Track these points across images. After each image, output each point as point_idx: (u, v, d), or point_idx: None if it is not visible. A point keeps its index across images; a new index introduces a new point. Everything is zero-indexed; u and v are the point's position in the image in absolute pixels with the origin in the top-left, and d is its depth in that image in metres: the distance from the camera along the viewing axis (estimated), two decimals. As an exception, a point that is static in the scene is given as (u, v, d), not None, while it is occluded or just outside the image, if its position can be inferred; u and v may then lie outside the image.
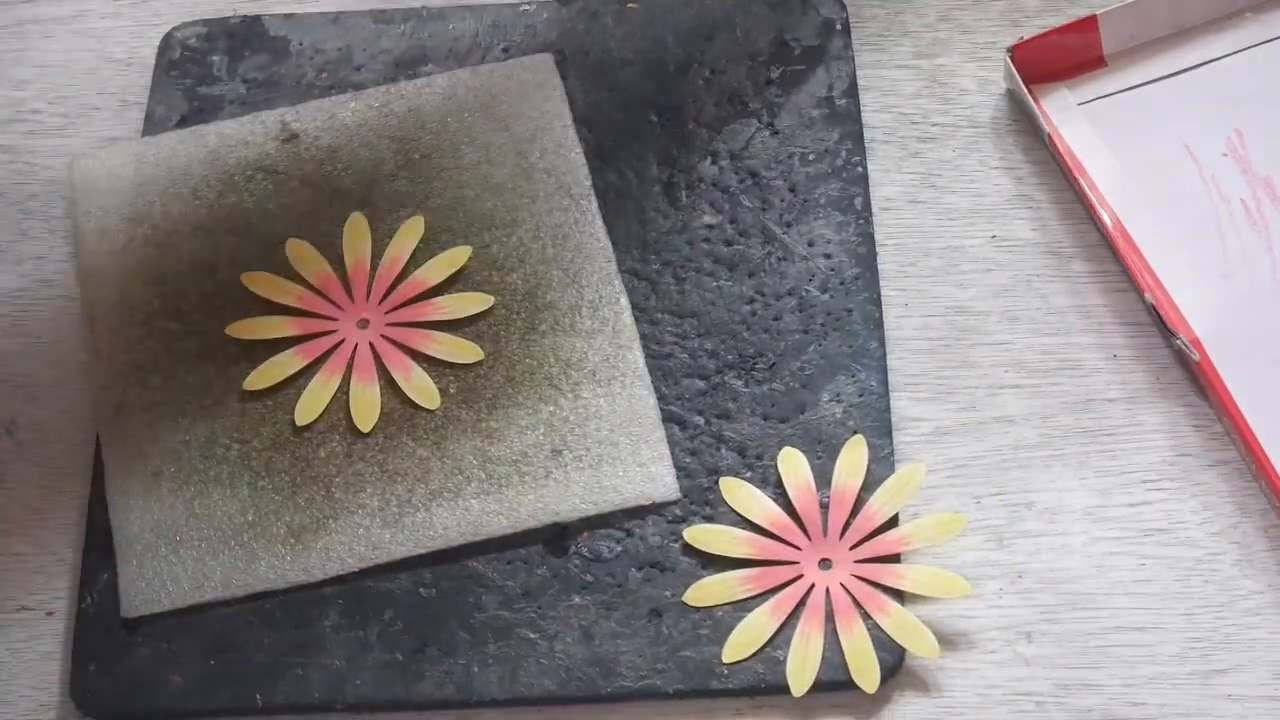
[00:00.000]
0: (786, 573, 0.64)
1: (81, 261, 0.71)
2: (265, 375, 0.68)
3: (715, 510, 0.66)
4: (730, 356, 0.69)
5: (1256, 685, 0.62)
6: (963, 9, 0.78)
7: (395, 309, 0.70)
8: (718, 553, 0.64)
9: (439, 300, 0.69)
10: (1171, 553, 0.65)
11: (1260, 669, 0.62)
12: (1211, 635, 0.63)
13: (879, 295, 0.70)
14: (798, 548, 0.64)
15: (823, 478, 0.66)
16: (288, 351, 0.69)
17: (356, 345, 0.69)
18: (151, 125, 0.76)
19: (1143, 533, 0.65)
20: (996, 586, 0.64)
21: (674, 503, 0.66)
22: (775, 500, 0.65)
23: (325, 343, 0.69)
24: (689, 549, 0.65)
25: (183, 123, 0.75)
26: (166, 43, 0.78)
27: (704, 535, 0.65)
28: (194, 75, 0.77)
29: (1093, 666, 0.63)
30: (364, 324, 0.69)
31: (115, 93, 0.78)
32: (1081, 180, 0.71)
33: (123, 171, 0.73)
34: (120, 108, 0.77)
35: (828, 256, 0.71)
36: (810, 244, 0.71)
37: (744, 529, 0.65)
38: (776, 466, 0.66)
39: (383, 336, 0.69)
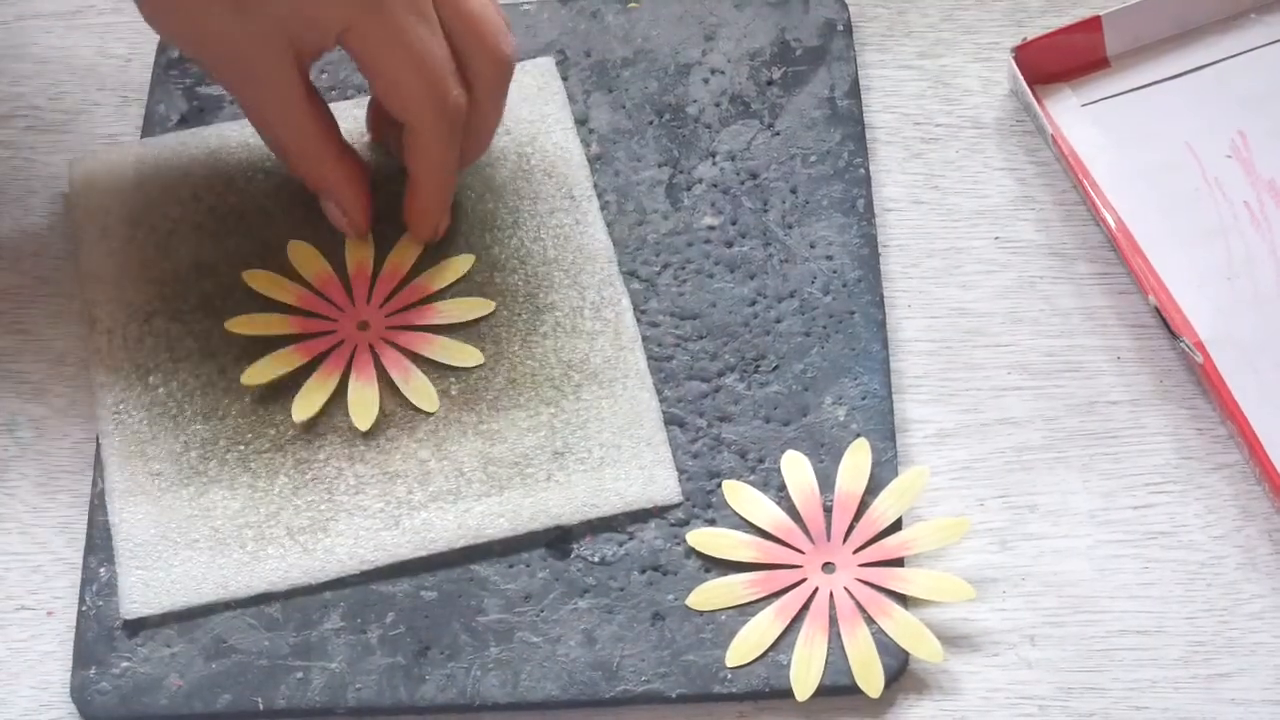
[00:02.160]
0: (790, 576, 0.64)
1: (81, 261, 0.71)
2: (262, 370, 0.68)
3: (717, 513, 0.65)
4: (731, 358, 0.69)
5: (1259, 690, 0.62)
6: (966, 9, 0.78)
7: (396, 312, 0.69)
8: (721, 556, 0.64)
9: (439, 304, 0.69)
10: (1175, 556, 0.65)
11: (1263, 673, 0.62)
12: (1214, 639, 0.63)
13: (881, 297, 0.70)
14: (801, 551, 0.64)
15: (825, 481, 0.65)
16: (286, 348, 0.68)
17: (356, 346, 0.69)
18: (151, 125, 0.75)
19: (1146, 536, 0.65)
20: (1000, 590, 0.64)
21: (676, 506, 0.66)
22: (778, 503, 0.65)
23: (324, 342, 0.69)
24: (692, 552, 0.65)
25: (183, 122, 0.75)
26: (165, 42, 0.77)
27: (707, 539, 0.64)
28: (194, 74, 0.76)
29: (1096, 670, 0.63)
30: (364, 326, 0.69)
31: (115, 89, 0.77)
32: (1085, 181, 0.71)
33: (123, 172, 0.73)
34: (121, 104, 0.77)
35: (829, 258, 0.71)
36: (812, 246, 0.71)
37: (747, 533, 0.65)
38: (779, 469, 0.66)
39: (383, 339, 0.69)
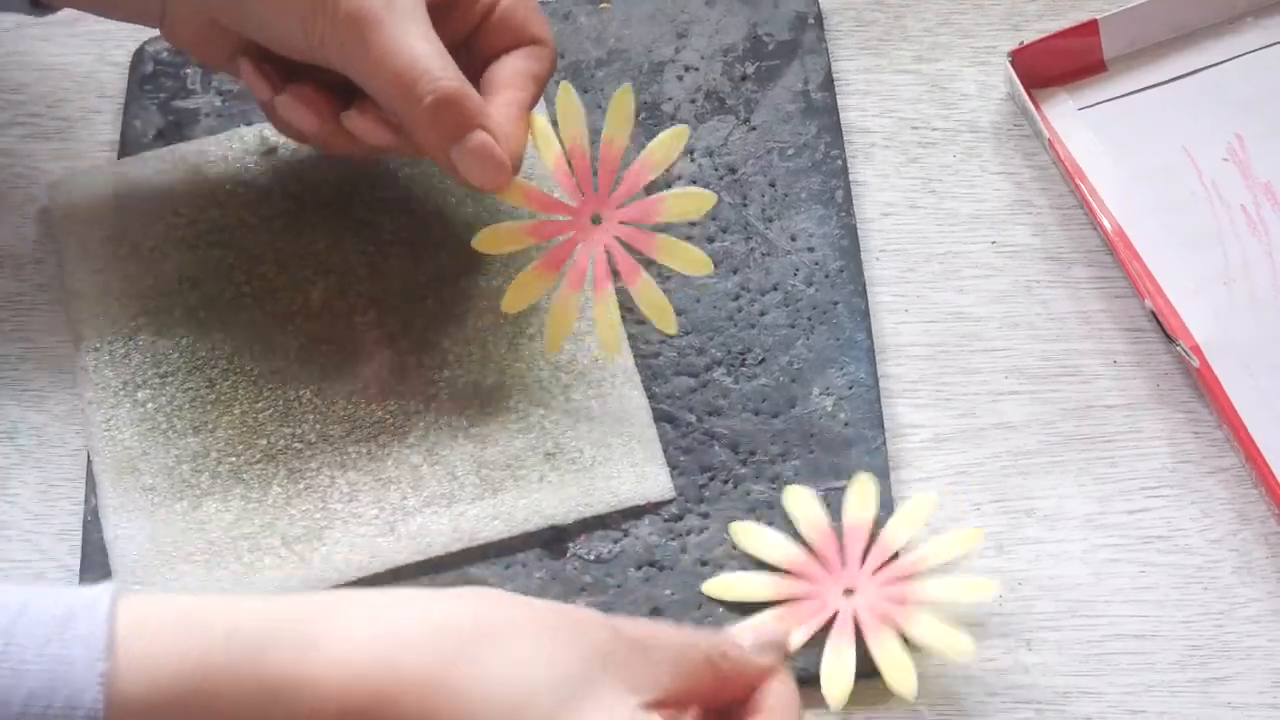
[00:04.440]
0: (815, 608, 0.63)
1: (66, 282, 0.71)
2: (518, 295, 0.66)
3: (710, 508, 0.66)
4: (718, 353, 0.69)
5: (1255, 693, 0.62)
6: (963, 13, 0.78)
7: (623, 205, 0.66)
8: (742, 600, 0.64)
9: (665, 196, 0.66)
10: (1171, 560, 0.65)
11: (1259, 677, 0.62)
12: (1211, 643, 0.63)
13: (864, 287, 0.70)
14: (817, 583, 0.64)
15: (816, 472, 0.66)
16: (531, 267, 0.66)
17: (592, 252, 0.65)
18: (128, 142, 0.75)
19: (1142, 540, 0.65)
20: (996, 594, 0.64)
21: (669, 501, 0.66)
22: (790, 536, 0.65)
23: (565, 250, 0.66)
24: (687, 548, 0.65)
25: (160, 137, 0.75)
26: (138, 57, 0.77)
27: (725, 587, 0.64)
28: (168, 89, 0.76)
29: (1092, 674, 0.63)
30: (597, 219, 0.66)
31: (114, 96, 0.77)
32: (1082, 185, 0.71)
33: (102, 192, 0.73)
34: (119, 110, 0.77)
35: (811, 250, 0.71)
36: (793, 238, 0.71)
37: (762, 571, 0.64)
38: (770, 462, 0.66)
39: (616, 238, 0.65)
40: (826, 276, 0.70)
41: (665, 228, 0.66)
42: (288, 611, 0.50)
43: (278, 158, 0.73)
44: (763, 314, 0.70)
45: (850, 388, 0.68)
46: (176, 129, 0.75)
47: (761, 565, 0.64)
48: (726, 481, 0.66)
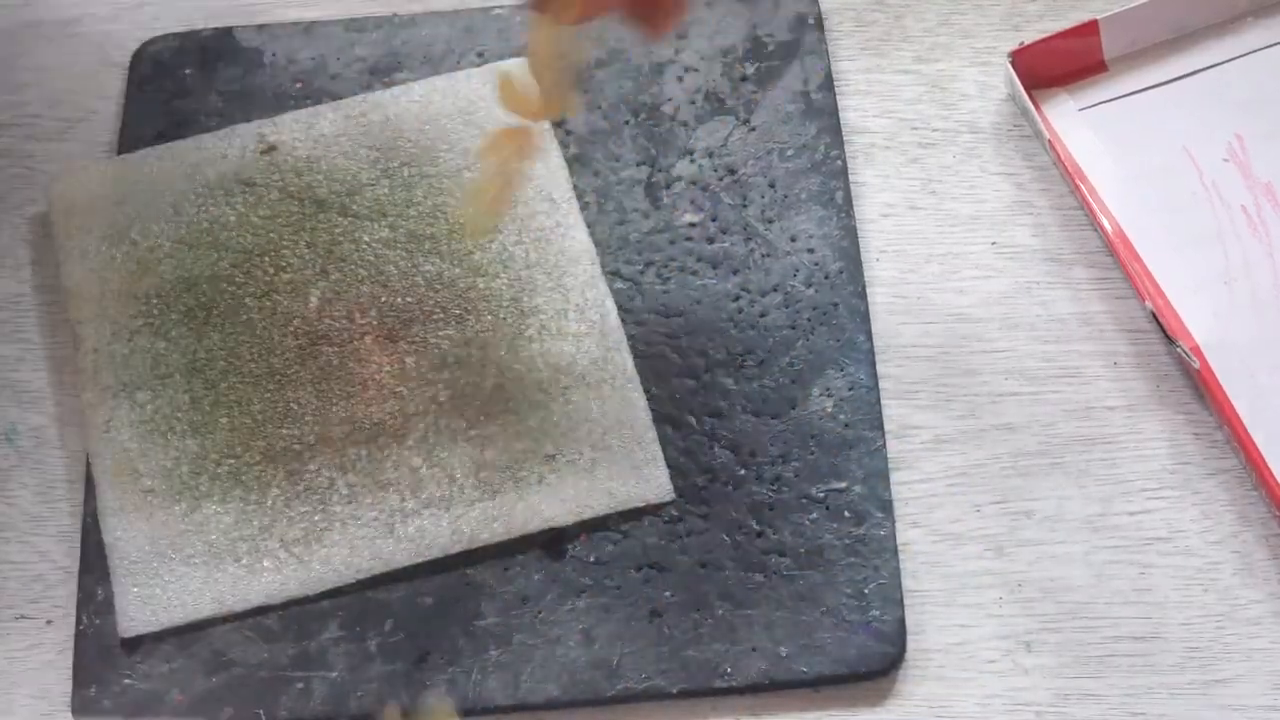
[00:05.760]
0: None
1: (64, 281, 0.71)
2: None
3: (710, 510, 0.66)
4: (719, 354, 0.69)
5: (1257, 695, 0.62)
6: (963, 14, 0.78)
7: None
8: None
9: None
10: (1171, 562, 0.65)
11: (1260, 679, 0.62)
12: (1211, 645, 0.63)
13: (864, 288, 0.70)
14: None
15: (816, 473, 0.66)
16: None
17: None
18: (127, 141, 0.75)
19: (1143, 542, 0.65)
20: (996, 595, 0.64)
21: (669, 503, 0.66)
22: None
23: None
24: (687, 550, 0.65)
25: (159, 138, 0.75)
26: (139, 57, 0.77)
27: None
28: (168, 90, 0.76)
29: (1093, 676, 0.63)
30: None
31: (114, 96, 0.77)
32: (1082, 186, 0.71)
33: (101, 190, 0.73)
34: (119, 110, 0.77)
35: (811, 251, 0.71)
36: (793, 239, 0.71)
37: None
38: (770, 463, 0.66)
39: None
40: (826, 278, 0.70)
41: None
42: None
43: (278, 157, 0.73)
44: (763, 315, 0.70)
45: (850, 389, 0.68)
46: (176, 129, 0.75)
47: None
48: (726, 483, 0.66)
